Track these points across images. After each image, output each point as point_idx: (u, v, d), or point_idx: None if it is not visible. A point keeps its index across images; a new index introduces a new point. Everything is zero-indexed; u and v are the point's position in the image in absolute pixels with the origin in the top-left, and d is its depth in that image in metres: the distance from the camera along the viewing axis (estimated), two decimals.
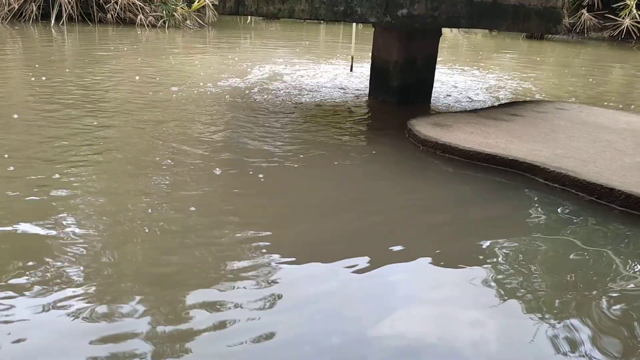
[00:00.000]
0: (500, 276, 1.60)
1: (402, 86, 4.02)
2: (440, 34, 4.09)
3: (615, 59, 9.09)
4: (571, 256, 1.76)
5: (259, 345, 1.20)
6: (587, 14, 12.83)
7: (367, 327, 1.28)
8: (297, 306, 1.38)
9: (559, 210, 2.14)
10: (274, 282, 1.48)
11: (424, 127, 2.99)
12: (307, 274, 1.55)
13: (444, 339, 1.28)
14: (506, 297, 1.50)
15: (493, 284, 1.55)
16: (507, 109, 3.68)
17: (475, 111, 3.60)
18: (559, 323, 1.37)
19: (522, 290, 1.53)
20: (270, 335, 1.24)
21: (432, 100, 4.26)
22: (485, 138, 2.84)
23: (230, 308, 1.34)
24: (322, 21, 16.38)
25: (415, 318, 1.35)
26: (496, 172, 2.52)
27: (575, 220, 2.05)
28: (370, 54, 4.25)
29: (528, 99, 4.53)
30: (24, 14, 9.39)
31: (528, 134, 2.96)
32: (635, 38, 12.27)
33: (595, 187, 2.20)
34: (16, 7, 9.15)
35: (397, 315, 1.33)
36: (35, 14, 9.47)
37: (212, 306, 1.36)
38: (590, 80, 6.18)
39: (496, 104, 4.18)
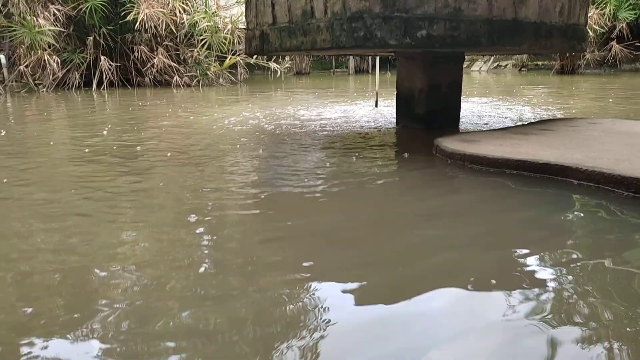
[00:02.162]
0: (551, 295, 1.49)
1: (428, 113, 4.03)
2: (463, 59, 4.12)
3: None
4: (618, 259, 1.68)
5: None
6: (617, 45, 12.73)
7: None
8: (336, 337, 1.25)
9: (596, 208, 2.07)
10: (316, 309, 1.38)
11: (451, 143, 2.97)
12: (347, 300, 1.40)
13: None
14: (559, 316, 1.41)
15: (544, 305, 1.37)
16: (538, 125, 3.63)
17: (504, 129, 3.56)
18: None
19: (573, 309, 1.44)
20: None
21: (461, 127, 4.25)
22: (514, 148, 2.79)
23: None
24: (346, 56, 16.75)
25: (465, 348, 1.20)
26: (527, 178, 2.46)
27: (615, 217, 1.97)
28: (395, 85, 4.30)
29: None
30: (67, 82, 9.95)
31: (559, 143, 2.90)
32: None
33: (632, 181, 2.12)
34: (60, 75, 9.70)
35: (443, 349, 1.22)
36: (78, 81, 10.01)
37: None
38: (625, 104, 6.05)
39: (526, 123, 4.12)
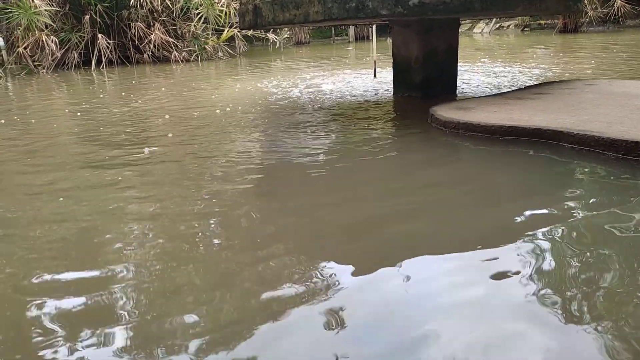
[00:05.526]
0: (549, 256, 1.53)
1: (425, 80, 4.03)
2: (458, 24, 4.09)
3: None
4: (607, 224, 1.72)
5: (315, 342, 1.14)
6: (619, 1, 12.50)
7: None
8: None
9: (586, 170, 2.10)
10: (324, 280, 1.39)
11: (446, 111, 2.98)
12: (351, 269, 1.44)
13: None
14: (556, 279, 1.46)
15: (542, 266, 1.40)
16: (534, 89, 3.63)
17: (500, 94, 3.57)
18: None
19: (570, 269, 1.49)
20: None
21: (459, 93, 4.25)
22: (508, 114, 2.81)
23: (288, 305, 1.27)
24: (340, 26, 16.58)
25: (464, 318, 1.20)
26: (521, 143, 2.48)
27: (604, 179, 2.00)
28: (391, 54, 4.29)
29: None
30: (66, 62, 9.93)
31: (553, 107, 2.91)
32: None
33: (621, 144, 2.14)
34: (59, 55, 9.68)
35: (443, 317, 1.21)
36: (77, 61, 9.99)
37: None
38: (626, 63, 6.00)
39: (523, 87, 4.11)
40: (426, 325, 1.15)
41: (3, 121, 4.20)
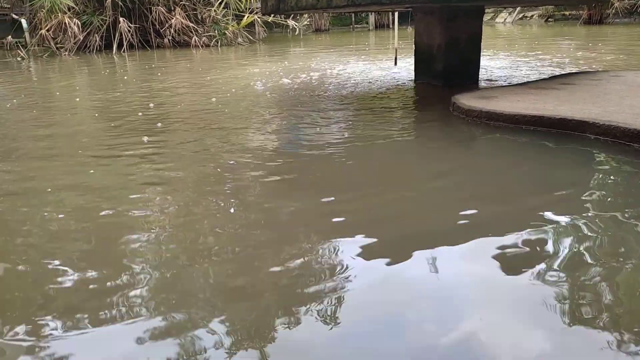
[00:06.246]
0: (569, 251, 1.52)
1: (447, 68, 3.99)
2: (483, 12, 4.03)
3: None
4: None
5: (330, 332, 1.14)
6: None
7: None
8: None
9: (611, 161, 2.08)
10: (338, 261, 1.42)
11: (468, 100, 2.96)
12: (362, 255, 1.44)
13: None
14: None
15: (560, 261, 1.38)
16: (558, 79, 3.58)
17: (524, 84, 3.52)
18: None
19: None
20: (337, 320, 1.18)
21: (481, 82, 4.20)
22: (532, 104, 2.78)
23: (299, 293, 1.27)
24: (366, 12, 16.46)
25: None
26: (544, 134, 2.45)
27: (630, 171, 1.98)
28: (413, 42, 4.25)
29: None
30: (88, 45, 10.01)
31: (578, 98, 2.87)
32: None
33: None
34: (81, 38, 9.76)
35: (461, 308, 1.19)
36: (99, 44, 10.06)
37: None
38: None
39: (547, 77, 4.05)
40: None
41: (15, 101, 4.26)
